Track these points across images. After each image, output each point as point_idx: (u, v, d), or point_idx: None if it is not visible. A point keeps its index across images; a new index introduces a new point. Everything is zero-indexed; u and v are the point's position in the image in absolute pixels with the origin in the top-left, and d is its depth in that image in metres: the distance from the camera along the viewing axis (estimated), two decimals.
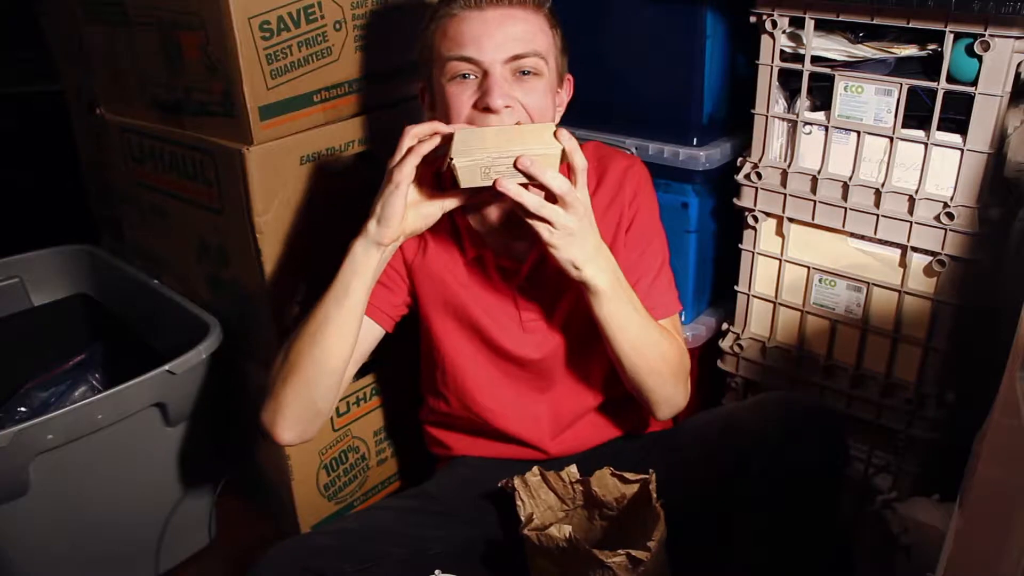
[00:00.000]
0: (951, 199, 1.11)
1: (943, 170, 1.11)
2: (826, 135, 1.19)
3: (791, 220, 1.26)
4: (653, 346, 1.01)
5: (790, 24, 1.17)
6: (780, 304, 1.32)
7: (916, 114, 1.11)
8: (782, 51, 1.19)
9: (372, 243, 0.93)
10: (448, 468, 1.20)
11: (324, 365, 0.99)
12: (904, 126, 1.12)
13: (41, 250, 1.64)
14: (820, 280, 1.26)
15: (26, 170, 2.22)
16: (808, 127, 1.21)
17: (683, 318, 1.28)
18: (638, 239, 1.07)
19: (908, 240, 1.15)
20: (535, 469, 1.06)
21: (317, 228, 1.25)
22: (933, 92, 1.08)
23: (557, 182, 0.86)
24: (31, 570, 1.20)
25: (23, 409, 1.40)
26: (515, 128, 0.92)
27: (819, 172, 1.21)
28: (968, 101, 1.06)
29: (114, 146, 1.46)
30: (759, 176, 1.26)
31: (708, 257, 1.43)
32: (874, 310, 1.23)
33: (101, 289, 1.63)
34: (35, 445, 1.11)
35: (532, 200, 0.86)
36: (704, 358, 1.44)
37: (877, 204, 1.16)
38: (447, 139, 0.89)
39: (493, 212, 1.06)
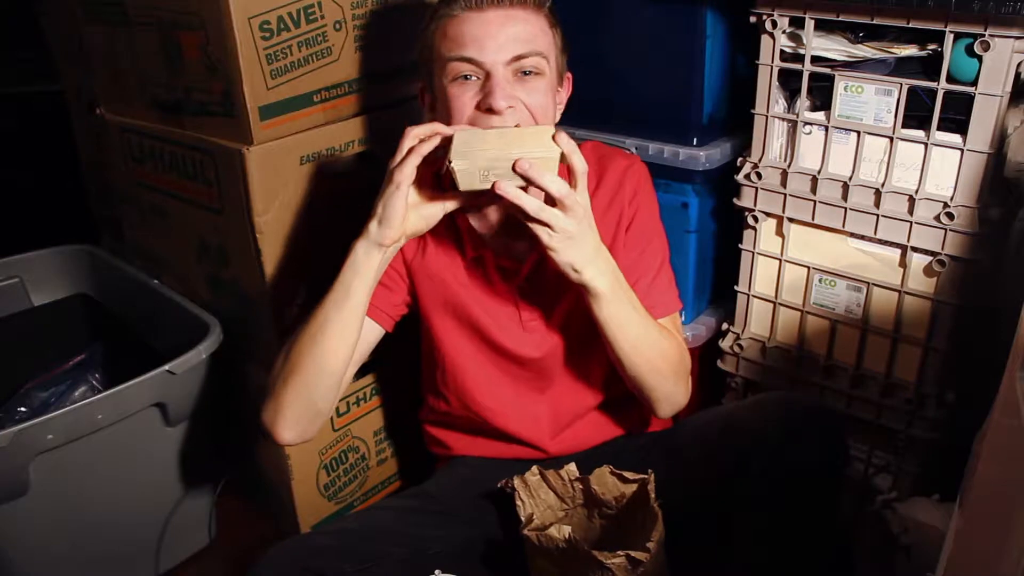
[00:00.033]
0: (951, 199, 1.11)
1: (943, 170, 1.11)
2: (826, 135, 1.19)
3: (791, 220, 1.26)
4: (653, 345, 1.01)
5: (790, 24, 1.17)
6: (780, 304, 1.32)
7: (916, 114, 1.11)
8: (782, 51, 1.19)
9: (374, 244, 0.94)
10: (448, 468, 1.20)
11: (325, 365, 0.99)
12: (904, 126, 1.12)
13: (41, 250, 1.64)
14: (820, 280, 1.26)
15: (26, 170, 2.22)
16: (808, 127, 1.21)
17: (683, 318, 1.28)
18: (638, 238, 1.07)
19: (908, 240, 1.15)
20: (534, 468, 1.06)
21: (317, 228, 1.25)
22: (933, 92, 1.08)
23: (556, 185, 0.86)
24: (31, 570, 1.20)
25: (23, 409, 1.40)
26: (514, 131, 0.92)
27: (819, 172, 1.21)
28: (968, 101, 1.06)
29: (114, 146, 1.46)
30: (759, 176, 1.26)
31: (708, 257, 1.43)
32: (874, 310, 1.23)
33: (101, 289, 1.63)
34: (35, 445, 1.11)
35: (531, 203, 0.86)
36: (704, 358, 1.44)
37: (877, 204, 1.16)
38: (447, 140, 0.89)
39: (493, 213, 1.06)
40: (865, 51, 1.13)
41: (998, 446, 0.66)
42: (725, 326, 1.42)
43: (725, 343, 1.40)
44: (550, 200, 0.87)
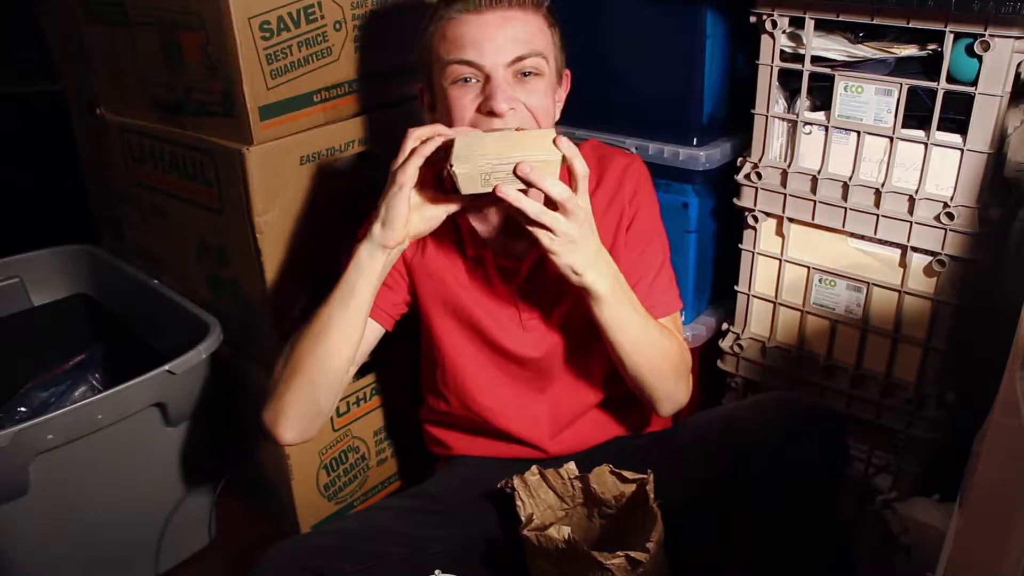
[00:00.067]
0: (951, 199, 1.11)
1: (943, 170, 1.11)
2: (826, 135, 1.19)
3: (791, 220, 1.26)
4: (654, 345, 1.01)
5: (790, 24, 1.17)
6: (780, 304, 1.32)
7: (916, 114, 1.11)
8: (782, 51, 1.19)
9: (377, 246, 0.94)
10: (448, 468, 1.20)
11: (327, 365, 0.99)
12: (904, 126, 1.12)
13: (41, 250, 1.64)
14: (820, 280, 1.26)
15: (26, 170, 2.22)
16: (808, 127, 1.21)
17: (683, 317, 1.29)
18: (638, 238, 1.08)
19: (908, 240, 1.15)
20: (534, 468, 1.06)
21: (317, 228, 1.25)
22: (933, 92, 1.08)
23: (557, 189, 0.86)
24: (31, 570, 1.20)
25: (23, 409, 1.40)
26: (515, 134, 0.92)
27: (819, 172, 1.21)
28: (968, 101, 1.06)
29: (114, 146, 1.46)
30: (759, 176, 1.26)
31: (708, 257, 1.43)
32: (874, 310, 1.23)
33: (101, 289, 1.63)
34: (35, 445, 1.11)
35: (532, 207, 0.86)
36: (704, 358, 1.44)
37: (877, 204, 1.16)
38: (448, 142, 0.89)
39: (494, 214, 1.06)
40: (865, 51, 1.13)
41: (998, 446, 0.66)
42: (725, 326, 1.42)
43: (725, 343, 1.40)
44: (551, 203, 0.87)
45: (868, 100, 1.14)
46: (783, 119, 1.23)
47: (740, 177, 1.28)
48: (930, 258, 1.15)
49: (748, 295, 1.35)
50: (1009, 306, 0.84)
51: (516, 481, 1.04)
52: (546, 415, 1.13)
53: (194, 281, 1.40)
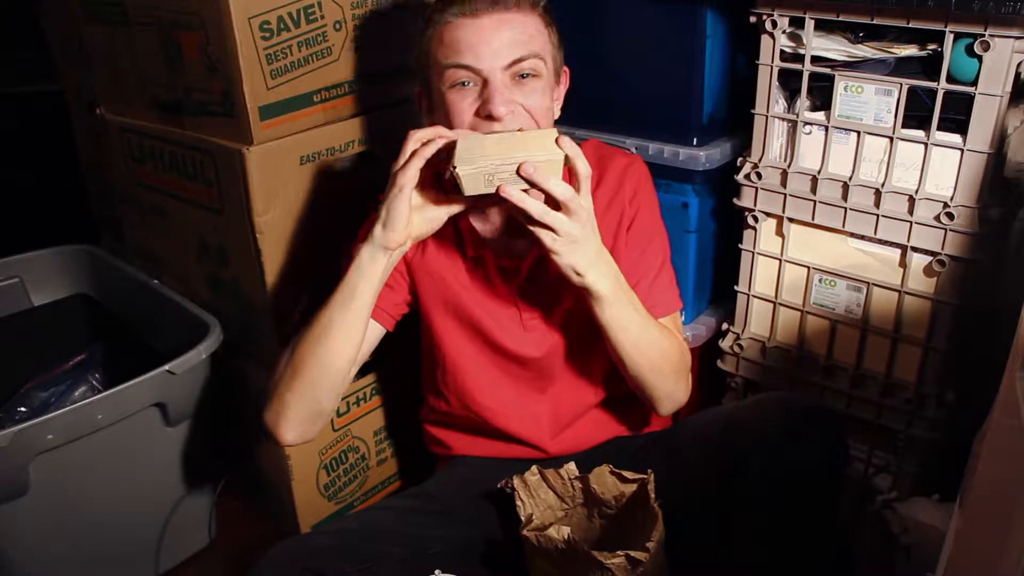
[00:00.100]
0: (951, 199, 1.11)
1: (943, 170, 1.11)
2: (826, 135, 1.19)
3: (791, 220, 1.26)
4: (654, 345, 1.01)
5: (790, 24, 1.17)
6: (780, 304, 1.32)
7: (916, 114, 1.11)
8: (782, 51, 1.19)
9: (378, 248, 0.94)
10: (448, 467, 1.20)
11: (329, 366, 0.99)
12: (904, 126, 1.12)
13: (41, 250, 1.64)
14: (820, 280, 1.26)
15: (26, 170, 2.22)
16: (808, 127, 1.21)
17: (683, 317, 1.29)
18: (639, 238, 1.08)
19: (908, 240, 1.15)
20: (534, 468, 1.06)
21: (317, 228, 1.25)
22: (933, 92, 1.08)
23: (560, 188, 0.86)
24: (31, 570, 1.20)
25: (23, 409, 1.40)
26: (517, 135, 0.93)
27: (819, 172, 1.21)
28: (968, 101, 1.06)
29: (114, 146, 1.46)
30: (759, 176, 1.26)
31: (708, 257, 1.43)
32: (874, 310, 1.23)
33: (101, 289, 1.63)
34: (35, 445, 1.11)
35: (536, 207, 0.86)
36: (704, 358, 1.44)
37: (877, 204, 1.16)
38: (450, 144, 0.89)
39: (495, 214, 1.06)
40: (865, 51, 1.13)
41: (998, 446, 0.66)
42: (725, 326, 1.42)
43: (725, 343, 1.40)
44: (553, 204, 0.88)
45: (868, 100, 1.14)
46: (783, 119, 1.23)
47: (740, 177, 1.28)
48: (930, 258, 1.15)
49: (748, 295, 1.35)
50: (1009, 306, 0.84)
51: (516, 481, 1.04)
52: (547, 415, 1.13)
53: (194, 281, 1.40)
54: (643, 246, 1.08)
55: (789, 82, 1.21)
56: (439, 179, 0.95)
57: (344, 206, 1.21)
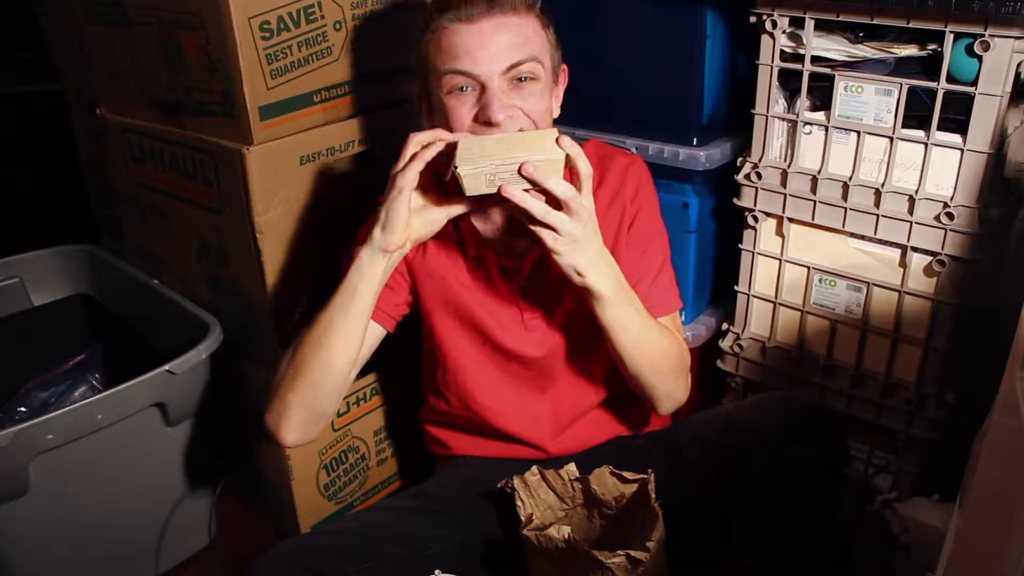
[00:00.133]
0: (951, 199, 1.11)
1: (943, 170, 1.11)
2: (826, 135, 1.19)
3: (791, 220, 1.26)
4: (654, 344, 1.01)
5: (790, 24, 1.17)
6: (780, 304, 1.32)
7: (916, 114, 1.11)
8: (782, 51, 1.19)
9: (378, 250, 0.94)
10: (448, 467, 1.20)
11: (330, 368, 0.99)
12: (904, 126, 1.12)
13: (41, 250, 1.64)
14: (820, 280, 1.26)
15: (26, 170, 2.22)
16: (808, 127, 1.21)
17: (683, 318, 1.29)
18: (640, 237, 1.08)
19: (908, 240, 1.15)
20: (534, 468, 1.06)
21: (317, 228, 1.25)
22: (933, 92, 1.08)
23: (561, 188, 0.86)
24: (31, 570, 1.20)
25: (23, 409, 1.40)
26: (518, 135, 0.93)
27: (819, 172, 1.21)
28: (968, 101, 1.06)
29: (114, 146, 1.46)
30: (759, 176, 1.26)
31: (708, 257, 1.43)
32: (874, 310, 1.23)
33: (101, 289, 1.63)
34: (35, 445, 1.11)
35: (537, 207, 0.86)
36: (704, 358, 1.44)
37: (877, 204, 1.16)
38: (450, 146, 0.89)
39: (497, 214, 1.06)
40: (865, 51, 1.13)
41: (998, 446, 0.66)
42: (725, 326, 1.42)
43: (725, 343, 1.40)
44: (555, 203, 0.88)
45: (868, 100, 1.14)
46: (783, 119, 1.23)
47: (740, 177, 1.28)
48: (930, 258, 1.15)
49: (748, 295, 1.35)
50: (1009, 306, 0.84)
51: (516, 481, 1.04)
52: (547, 415, 1.13)
53: (194, 281, 1.40)
54: (644, 246, 1.08)
55: (789, 82, 1.21)
56: (439, 181, 0.95)
57: (344, 206, 1.21)
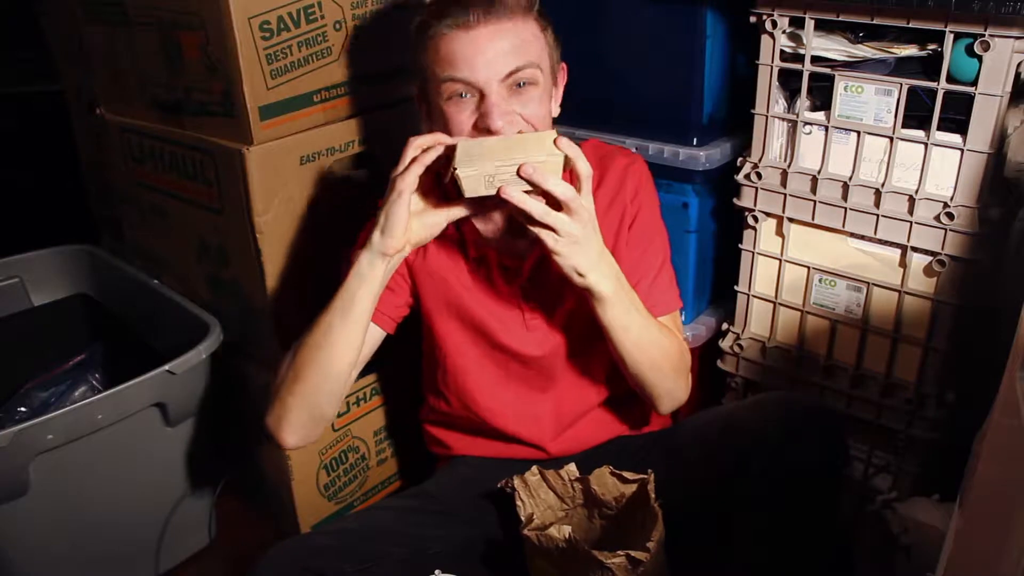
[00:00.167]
0: (951, 199, 1.11)
1: (943, 170, 1.11)
2: (826, 135, 1.19)
3: (791, 220, 1.26)
4: (654, 344, 1.01)
5: (790, 24, 1.17)
6: (780, 304, 1.32)
7: (916, 114, 1.11)
8: (782, 51, 1.19)
9: (377, 254, 0.94)
10: (448, 467, 1.20)
11: (329, 371, 1.00)
12: (904, 126, 1.12)
13: (41, 250, 1.64)
14: (820, 280, 1.26)
15: (26, 170, 2.22)
16: (808, 127, 1.21)
17: (683, 317, 1.28)
18: (640, 237, 1.08)
19: (908, 240, 1.15)
20: (534, 468, 1.06)
21: (317, 228, 1.25)
22: (933, 92, 1.08)
23: (561, 188, 0.86)
24: (31, 570, 1.20)
25: (23, 409, 1.40)
26: (517, 137, 0.93)
27: (819, 172, 1.21)
28: (968, 101, 1.06)
29: (114, 146, 1.46)
30: (759, 176, 1.26)
31: (708, 257, 1.43)
32: (874, 310, 1.23)
33: (101, 289, 1.63)
34: (35, 445, 1.11)
35: (537, 208, 0.86)
36: (704, 358, 1.44)
37: (877, 204, 1.16)
38: (450, 149, 0.90)
39: (498, 215, 1.06)
40: (865, 51, 1.13)
41: (998, 446, 0.66)
42: (725, 326, 1.42)
43: (725, 343, 1.40)
44: (554, 204, 0.87)
45: (868, 100, 1.14)
46: (783, 119, 1.23)
47: (740, 177, 1.28)
48: (930, 258, 1.15)
49: (748, 295, 1.35)
50: (1009, 306, 0.84)
51: (516, 481, 1.04)
52: (548, 415, 1.13)
53: (194, 281, 1.40)
54: (644, 246, 1.08)
55: (789, 82, 1.21)
56: (439, 185, 0.95)
57: (344, 206, 1.21)
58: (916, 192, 1.13)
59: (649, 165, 1.14)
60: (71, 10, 1.47)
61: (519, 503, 1.03)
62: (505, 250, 1.07)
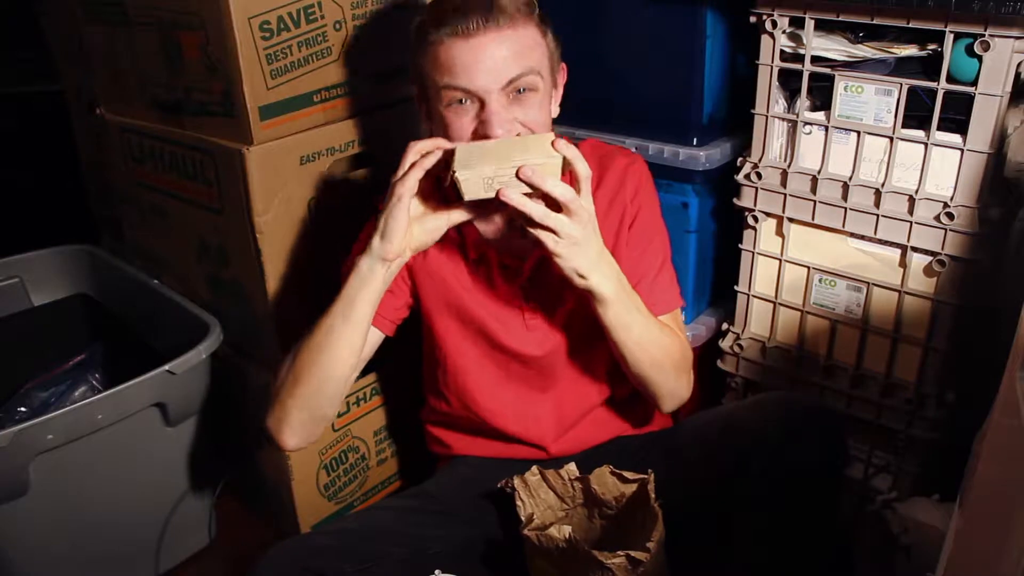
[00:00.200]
0: (951, 199, 1.11)
1: (943, 170, 1.11)
2: (826, 135, 1.19)
3: (791, 220, 1.26)
4: (655, 343, 1.01)
5: (790, 24, 1.17)
6: (780, 304, 1.32)
7: (916, 114, 1.11)
8: (782, 51, 1.19)
9: (377, 259, 0.94)
10: (448, 467, 1.20)
11: (329, 374, 1.00)
12: (904, 126, 1.12)
13: (41, 250, 1.64)
14: (820, 280, 1.26)
15: (26, 170, 2.22)
16: (808, 127, 1.21)
17: (684, 317, 1.28)
18: (640, 236, 1.08)
19: (908, 240, 1.15)
20: (534, 468, 1.06)
21: (317, 228, 1.25)
22: (933, 92, 1.08)
23: (560, 190, 0.86)
24: (31, 570, 1.20)
25: (23, 409, 1.40)
26: (516, 140, 0.93)
27: (819, 172, 1.21)
28: (968, 101, 1.06)
29: (114, 146, 1.46)
30: (759, 176, 1.26)
31: (708, 257, 1.43)
32: (874, 310, 1.23)
33: (101, 289, 1.63)
34: (35, 445, 1.11)
35: (537, 210, 0.86)
36: (704, 358, 1.44)
37: (877, 204, 1.16)
38: (449, 153, 0.90)
39: (498, 216, 1.06)
40: (865, 51, 1.13)
41: (998, 446, 0.66)
42: (725, 326, 1.42)
43: (725, 343, 1.40)
44: (554, 206, 0.87)
45: (868, 100, 1.14)
46: (783, 119, 1.23)
47: (740, 177, 1.28)
48: (930, 258, 1.15)
49: (748, 295, 1.35)
50: (1009, 306, 0.84)
51: (516, 481, 1.04)
52: (549, 415, 1.13)
53: (194, 281, 1.40)
54: (644, 245, 1.08)
55: (789, 82, 1.21)
56: (439, 189, 0.95)
57: (344, 206, 1.21)
58: (916, 192, 1.13)
59: (649, 165, 1.14)
60: (71, 10, 1.46)
61: (519, 503, 1.03)
62: (505, 250, 1.07)
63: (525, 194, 0.86)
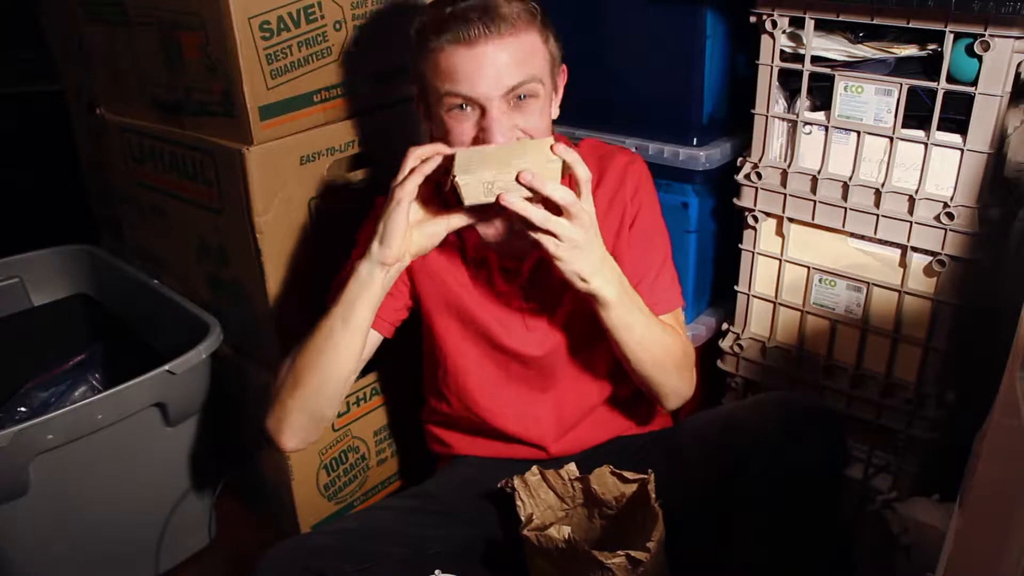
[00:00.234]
0: (951, 199, 1.11)
1: (943, 170, 1.11)
2: (826, 135, 1.19)
3: (791, 220, 1.26)
4: (657, 343, 1.01)
5: (790, 24, 1.17)
6: (780, 304, 1.32)
7: (916, 114, 1.11)
8: (782, 51, 1.19)
9: (376, 263, 0.94)
10: (448, 467, 1.20)
11: (329, 376, 1.00)
12: (904, 126, 1.12)
13: (41, 250, 1.64)
14: (820, 280, 1.26)
15: (26, 170, 2.22)
16: (808, 127, 1.21)
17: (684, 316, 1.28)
18: (641, 236, 1.08)
19: (908, 240, 1.15)
20: (534, 468, 1.06)
21: (317, 228, 1.25)
22: (933, 92, 1.08)
23: (560, 193, 0.86)
24: (31, 570, 1.20)
25: (23, 409, 1.40)
26: (515, 144, 0.93)
27: (819, 172, 1.21)
28: (968, 101, 1.06)
29: (114, 146, 1.46)
30: (759, 176, 1.26)
31: (708, 257, 1.43)
32: (874, 310, 1.23)
33: (101, 289, 1.63)
34: (35, 445, 1.11)
35: (537, 214, 0.86)
36: (704, 358, 1.44)
37: (877, 204, 1.16)
38: (449, 158, 0.90)
39: (497, 220, 1.06)
40: (865, 51, 1.13)
41: (998, 446, 0.66)
42: (725, 326, 1.42)
43: (725, 343, 1.40)
44: (554, 210, 0.87)
45: (868, 100, 1.14)
46: (783, 119, 1.23)
47: (740, 177, 1.28)
48: (930, 258, 1.15)
49: (748, 295, 1.35)
50: (1009, 306, 0.84)
51: (516, 481, 1.04)
52: (550, 415, 1.13)
53: (194, 281, 1.40)
54: (645, 244, 1.08)
55: (789, 82, 1.21)
56: (439, 194, 0.95)
57: (344, 206, 1.21)
58: (916, 192, 1.13)
59: (649, 165, 1.14)
60: (71, 10, 1.46)
61: (519, 503, 1.03)
62: (505, 251, 1.07)
63: (525, 198, 0.86)
